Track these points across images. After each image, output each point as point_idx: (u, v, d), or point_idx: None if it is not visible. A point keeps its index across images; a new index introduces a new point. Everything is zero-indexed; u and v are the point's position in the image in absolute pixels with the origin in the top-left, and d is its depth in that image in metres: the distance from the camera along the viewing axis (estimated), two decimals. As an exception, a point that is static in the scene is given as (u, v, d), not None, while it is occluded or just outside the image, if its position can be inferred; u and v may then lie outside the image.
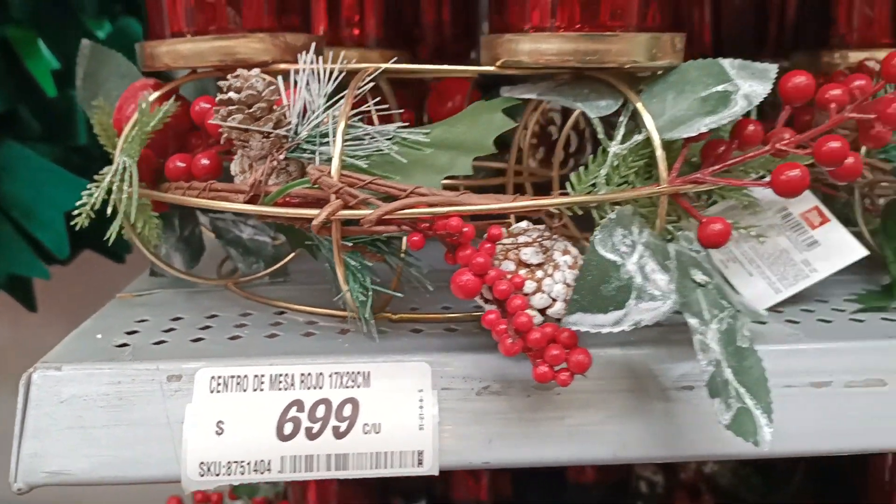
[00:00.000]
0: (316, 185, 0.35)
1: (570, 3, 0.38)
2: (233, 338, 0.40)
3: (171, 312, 0.45)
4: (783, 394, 0.39)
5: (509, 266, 0.36)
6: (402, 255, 0.39)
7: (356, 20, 0.59)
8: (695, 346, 0.33)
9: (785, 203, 0.47)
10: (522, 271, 0.36)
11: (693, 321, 0.33)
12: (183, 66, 0.43)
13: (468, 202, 0.34)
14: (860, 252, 0.45)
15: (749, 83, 0.38)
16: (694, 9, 0.74)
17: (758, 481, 0.91)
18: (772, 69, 0.39)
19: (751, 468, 0.92)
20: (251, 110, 0.36)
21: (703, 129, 0.37)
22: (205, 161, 0.41)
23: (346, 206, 0.34)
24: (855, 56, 0.60)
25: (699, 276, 0.35)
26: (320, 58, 0.38)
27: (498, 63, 0.39)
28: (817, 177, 0.55)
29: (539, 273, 0.36)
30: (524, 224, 0.38)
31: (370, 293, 0.36)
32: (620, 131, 0.38)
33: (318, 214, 0.34)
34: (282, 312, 0.44)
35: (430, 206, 0.35)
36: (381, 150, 0.36)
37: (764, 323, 0.41)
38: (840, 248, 0.45)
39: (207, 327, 0.42)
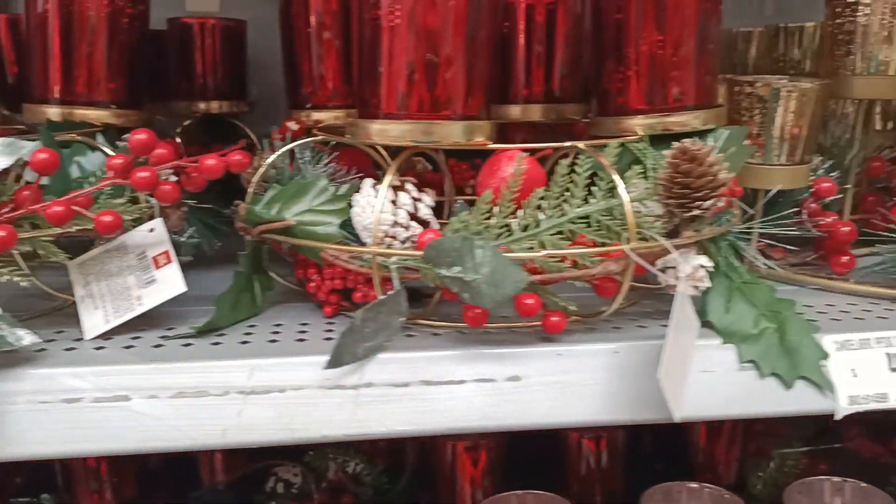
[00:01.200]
0: None
1: None
2: None
3: None
4: (37, 408, 0.48)
5: None
6: None
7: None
8: None
9: (145, 247, 0.56)
10: None
11: None
12: None
13: None
14: (180, 289, 0.54)
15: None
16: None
17: (384, 480, 1.01)
18: (24, 147, 0.48)
19: (381, 469, 1.02)
20: None
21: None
22: None
23: None
24: (317, 116, 0.70)
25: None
26: None
27: None
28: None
29: None
30: None
31: None
32: None
33: None
34: None
35: None
36: None
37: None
38: (169, 284, 0.54)
39: None
